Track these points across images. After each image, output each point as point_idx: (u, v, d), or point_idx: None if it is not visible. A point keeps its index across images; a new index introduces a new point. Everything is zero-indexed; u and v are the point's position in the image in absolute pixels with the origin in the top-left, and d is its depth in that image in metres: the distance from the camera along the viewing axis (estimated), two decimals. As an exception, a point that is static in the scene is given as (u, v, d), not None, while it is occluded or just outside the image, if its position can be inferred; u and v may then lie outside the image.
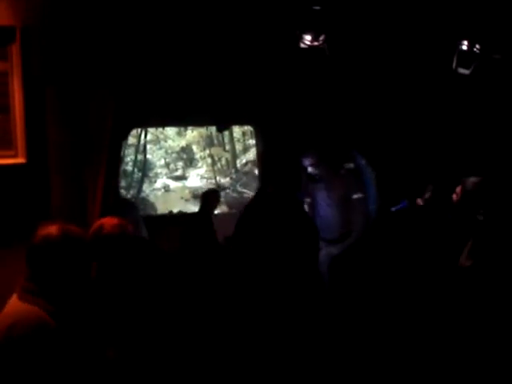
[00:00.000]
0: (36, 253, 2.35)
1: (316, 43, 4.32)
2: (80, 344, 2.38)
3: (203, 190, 6.66)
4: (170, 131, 17.36)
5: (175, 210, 13.30)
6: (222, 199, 14.82)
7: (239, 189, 16.45)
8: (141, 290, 2.96)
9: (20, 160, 3.36)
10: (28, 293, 2.32)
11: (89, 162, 3.58)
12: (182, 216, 8.88)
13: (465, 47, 4.72)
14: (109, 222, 3.01)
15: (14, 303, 2.33)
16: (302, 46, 4.39)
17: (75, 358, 2.32)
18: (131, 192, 15.80)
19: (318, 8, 4.23)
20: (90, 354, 2.44)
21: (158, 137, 17.69)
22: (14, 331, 2.19)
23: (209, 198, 6.00)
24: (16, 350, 2.17)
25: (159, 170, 18.29)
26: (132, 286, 2.92)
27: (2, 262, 3.22)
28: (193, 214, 6.52)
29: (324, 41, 4.34)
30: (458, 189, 3.23)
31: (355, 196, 4.86)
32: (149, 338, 2.84)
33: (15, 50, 3.36)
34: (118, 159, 3.85)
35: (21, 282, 2.37)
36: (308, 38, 4.34)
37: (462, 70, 4.79)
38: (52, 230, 2.36)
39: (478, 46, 4.69)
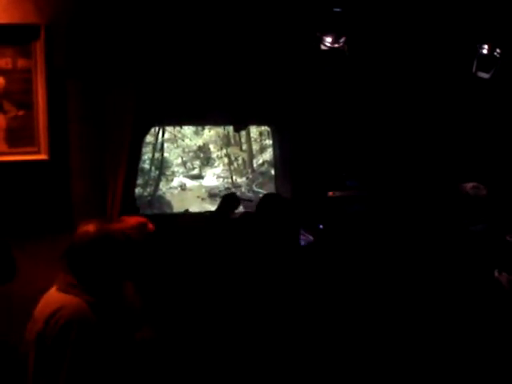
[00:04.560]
0: (74, 251, 2.43)
1: (336, 45, 4.33)
2: (117, 332, 2.46)
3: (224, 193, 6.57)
4: (188, 130, 17.45)
5: (191, 209, 13.36)
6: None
7: (255, 189, 16.46)
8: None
9: (43, 156, 3.40)
10: (68, 285, 2.39)
11: (109, 159, 3.62)
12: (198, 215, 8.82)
13: (485, 51, 4.71)
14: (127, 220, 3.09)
15: (55, 294, 2.40)
16: (323, 47, 4.39)
17: (111, 347, 2.39)
18: (148, 190, 15.88)
19: (338, 10, 4.24)
20: (123, 337, 2.52)
21: (175, 135, 17.77)
22: (57, 316, 2.26)
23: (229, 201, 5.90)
24: (59, 335, 2.24)
25: (176, 169, 18.37)
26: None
27: (24, 255, 3.26)
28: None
29: (344, 43, 4.35)
30: None
31: None
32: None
33: (39, 47, 3.40)
34: (138, 157, 3.88)
35: (60, 276, 2.44)
36: (328, 39, 4.35)
37: (481, 74, 4.77)
38: (89, 227, 2.45)
39: (498, 50, 4.67)
